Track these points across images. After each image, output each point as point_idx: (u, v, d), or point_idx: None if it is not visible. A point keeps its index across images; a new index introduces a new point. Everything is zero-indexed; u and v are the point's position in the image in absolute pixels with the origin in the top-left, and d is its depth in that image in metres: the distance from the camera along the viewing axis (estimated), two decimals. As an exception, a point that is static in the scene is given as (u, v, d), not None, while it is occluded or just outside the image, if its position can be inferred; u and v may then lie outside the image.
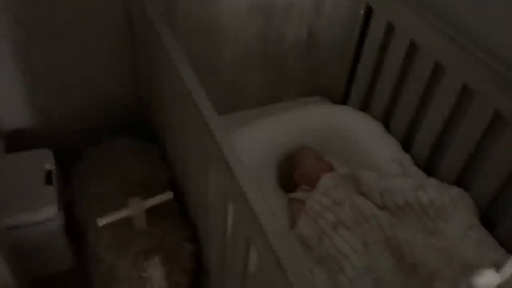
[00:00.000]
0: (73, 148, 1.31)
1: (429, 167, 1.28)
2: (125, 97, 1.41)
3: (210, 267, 1.12)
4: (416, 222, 1.09)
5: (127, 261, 1.06)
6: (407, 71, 1.29)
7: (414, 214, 1.09)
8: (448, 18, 1.17)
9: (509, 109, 1.02)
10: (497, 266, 0.75)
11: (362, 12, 1.39)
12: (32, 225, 1.16)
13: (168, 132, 1.24)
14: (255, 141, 1.30)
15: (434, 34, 1.15)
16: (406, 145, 1.34)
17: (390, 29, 1.31)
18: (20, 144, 1.32)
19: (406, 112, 1.32)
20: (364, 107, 1.47)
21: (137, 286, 1.05)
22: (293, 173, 1.24)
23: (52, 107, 1.35)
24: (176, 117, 1.11)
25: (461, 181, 1.19)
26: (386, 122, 1.40)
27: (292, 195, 1.21)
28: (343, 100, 1.57)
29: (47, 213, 1.17)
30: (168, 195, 1.10)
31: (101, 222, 1.03)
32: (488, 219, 1.12)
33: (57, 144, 1.33)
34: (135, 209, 1.05)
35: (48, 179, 1.22)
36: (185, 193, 1.20)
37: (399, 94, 1.34)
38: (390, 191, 1.11)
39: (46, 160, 1.26)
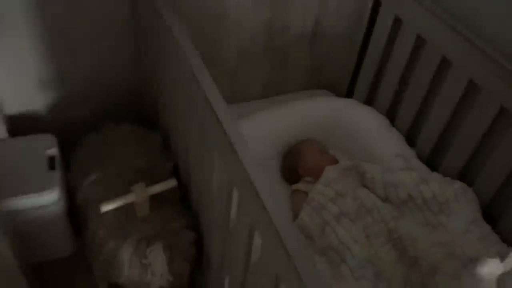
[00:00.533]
0: (76, 134, 1.31)
1: (432, 162, 1.28)
2: (128, 85, 1.40)
3: (211, 256, 1.12)
4: (419, 216, 1.09)
5: (129, 248, 1.06)
6: (413, 65, 1.29)
7: (417, 208, 1.09)
8: (456, 12, 1.16)
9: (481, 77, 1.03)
10: (501, 257, 0.75)
11: (369, 5, 1.39)
12: (34, 209, 1.16)
13: (171, 120, 1.24)
14: (259, 131, 1.30)
15: (441, 28, 1.15)
16: (410, 139, 1.33)
17: (397, 23, 1.31)
18: (25, 128, 1.32)
19: (411, 106, 1.32)
20: (369, 101, 1.46)
21: (138, 272, 1.05)
22: (296, 164, 1.24)
23: (57, 93, 1.35)
24: (180, 106, 1.10)
25: (464, 176, 1.19)
26: (391, 116, 1.39)
27: (295, 186, 1.21)
28: (348, 94, 1.57)
29: (50, 198, 1.17)
30: (171, 183, 1.10)
31: (104, 208, 1.03)
32: (490, 215, 1.12)
33: (60, 129, 1.33)
34: (138, 195, 1.05)
35: (51, 164, 1.22)
36: (187, 181, 1.20)
37: (404, 88, 1.34)
38: (393, 185, 1.12)
39: (49, 145, 1.25)
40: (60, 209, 1.21)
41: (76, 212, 1.33)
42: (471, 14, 1.13)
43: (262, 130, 1.31)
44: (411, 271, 1.00)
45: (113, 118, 1.35)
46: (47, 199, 1.16)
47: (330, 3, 1.40)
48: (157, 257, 1.04)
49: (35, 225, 1.20)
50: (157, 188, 1.08)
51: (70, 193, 1.29)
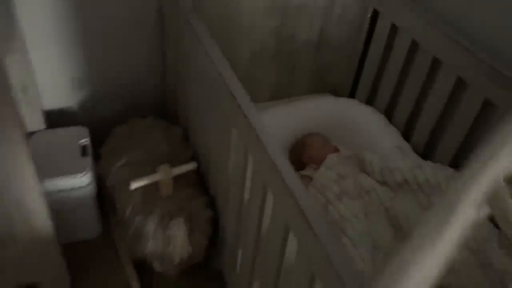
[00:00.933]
0: (105, 128, 1.46)
1: (426, 155, 1.41)
2: (152, 84, 1.56)
3: (226, 233, 1.25)
4: (413, 198, 1.21)
5: (153, 221, 1.19)
6: (408, 68, 1.44)
7: (412, 190, 1.22)
8: (445, 17, 1.31)
9: (498, 96, 1.15)
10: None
11: (369, 15, 1.55)
12: (68, 190, 1.30)
13: (191, 114, 1.38)
14: (269, 127, 1.43)
15: (433, 32, 1.30)
16: (406, 136, 1.47)
17: (394, 30, 1.46)
18: (60, 122, 1.47)
19: (407, 105, 1.46)
20: (369, 102, 1.61)
21: (162, 243, 1.18)
22: (302, 153, 1.37)
23: (88, 92, 1.51)
24: (201, 101, 1.25)
25: (455, 166, 1.31)
26: (389, 115, 1.53)
27: (301, 172, 1.34)
28: (350, 96, 1.71)
29: (83, 180, 1.31)
30: (193, 165, 1.24)
31: (133, 185, 1.17)
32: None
33: (91, 123, 1.48)
34: (163, 175, 1.19)
35: (84, 152, 1.37)
36: (205, 169, 1.34)
37: (401, 89, 1.48)
38: (390, 170, 1.25)
39: (82, 136, 1.40)
40: (90, 192, 1.35)
41: (102, 198, 1.47)
42: (459, 19, 1.28)
43: (272, 125, 1.45)
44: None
45: (139, 113, 1.50)
46: (80, 181, 1.31)
47: (333, 14, 1.56)
48: (179, 231, 1.17)
49: (68, 206, 1.33)
50: (180, 169, 1.22)
51: (98, 180, 1.43)
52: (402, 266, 0.54)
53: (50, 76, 1.44)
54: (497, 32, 1.18)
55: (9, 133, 0.96)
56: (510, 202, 0.59)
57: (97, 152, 1.46)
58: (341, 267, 0.66)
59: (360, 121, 1.50)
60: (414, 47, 1.39)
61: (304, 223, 0.75)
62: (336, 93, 1.72)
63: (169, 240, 1.17)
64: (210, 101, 1.16)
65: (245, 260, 1.14)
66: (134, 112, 1.52)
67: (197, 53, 1.19)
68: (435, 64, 1.33)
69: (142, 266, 1.35)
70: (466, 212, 0.50)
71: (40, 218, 1.13)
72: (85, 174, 1.31)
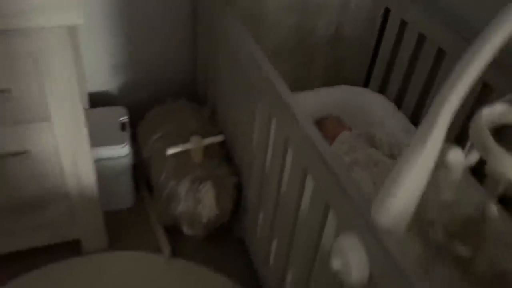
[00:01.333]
0: (141, 108, 1.64)
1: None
2: (184, 69, 1.74)
3: (247, 202, 1.40)
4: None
5: (185, 185, 1.34)
6: (416, 59, 1.58)
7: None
8: (449, 11, 1.46)
9: (497, 81, 1.29)
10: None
11: (381, 12, 1.70)
12: (109, 159, 1.46)
13: (219, 96, 1.55)
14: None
15: (438, 25, 1.45)
16: (414, 122, 1.60)
17: (403, 25, 1.61)
18: (102, 103, 1.65)
19: (415, 93, 1.60)
20: (381, 92, 1.75)
21: (192, 204, 1.33)
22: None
23: (126, 76, 1.69)
24: (230, 84, 1.41)
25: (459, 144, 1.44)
26: (398, 103, 1.67)
27: (317, 149, 1.48)
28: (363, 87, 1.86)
29: (122, 151, 1.47)
30: (220, 137, 1.40)
31: (169, 151, 1.33)
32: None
33: (128, 105, 1.66)
34: (195, 144, 1.35)
35: (123, 128, 1.54)
36: (231, 143, 1.49)
37: (409, 79, 1.62)
38: (397, 145, 1.38)
39: (122, 115, 1.57)
40: (127, 163, 1.51)
41: (136, 176, 1.63)
42: (462, 12, 1.43)
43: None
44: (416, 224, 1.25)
45: (172, 96, 1.67)
46: (120, 152, 1.47)
47: (349, 11, 1.72)
48: (207, 193, 1.32)
49: (107, 175, 1.49)
50: (210, 140, 1.37)
51: (134, 156, 1.59)
52: (395, 178, 0.69)
53: (94, 62, 1.63)
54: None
55: (76, 107, 1.14)
56: (487, 133, 0.73)
57: (134, 130, 1.63)
58: (353, 194, 0.80)
59: (372, 107, 1.64)
60: (421, 40, 1.54)
61: (322, 164, 0.89)
62: (351, 85, 1.87)
63: (199, 201, 1.32)
64: (238, 82, 1.32)
65: (265, 222, 1.29)
66: (167, 94, 1.69)
67: (229, 41, 1.35)
68: (440, 55, 1.47)
69: (172, 232, 1.51)
70: (440, 133, 0.65)
71: (88, 178, 1.29)
72: (124, 146, 1.48)
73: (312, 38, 1.75)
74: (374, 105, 1.64)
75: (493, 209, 0.81)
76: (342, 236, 0.80)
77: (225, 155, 1.47)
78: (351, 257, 0.76)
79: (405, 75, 1.63)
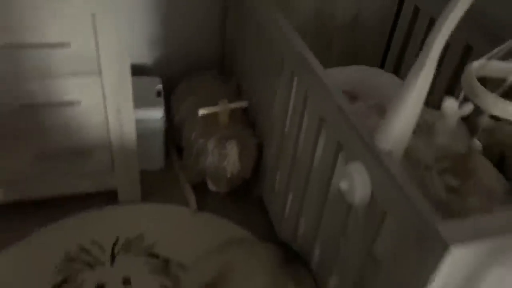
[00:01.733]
0: (174, 79, 1.81)
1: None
2: (213, 44, 1.91)
3: (267, 163, 1.55)
4: (425, 138, 1.48)
5: (212, 143, 1.51)
6: (441, 58, 1.73)
7: (421, 131, 1.49)
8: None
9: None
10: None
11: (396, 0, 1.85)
12: (145, 120, 1.64)
13: (245, 70, 1.71)
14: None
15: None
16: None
17: (416, 11, 1.76)
18: (140, 72, 1.83)
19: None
20: (395, 74, 1.89)
21: (218, 159, 1.49)
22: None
23: (160, 50, 1.87)
24: (256, 56, 1.57)
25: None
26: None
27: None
28: (378, 71, 2.00)
29: (157, 114, 1.64)
30: (245, 103, 1.56)
31: (200, 112, 1.50)
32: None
33: (163, 75, 1.84)
34: (223, 107, 1.51)
35: (158, 95, 1.71)
36: (253, 110, 1.65)
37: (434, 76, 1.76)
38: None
39: (157, 83, 1.75)
40: (161, 126, 1.68)
41: (167, 138, 1.80)
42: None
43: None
44: (414, 170, 1.39)
45: (202, 68, 1.84)
46: (155, 114, 1.64)
47: (366, -1, 1.87)
48: (232, 150, 1.48)
49: (143, 136, 1.66)
50: (235, 104, 1.54)
51: (167, 121, 1.76)
52: (394, 108, 0.84)
53: (133, 37, 1.81)
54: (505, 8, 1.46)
55: (123, 65, 1.32)
56: (474, 79, 0.88)
57: (167, 99, 1.80)
58: (361, 129, 0.95)
59: (385, 86, 1.78)
60: (432, 24, 1.68)
61: (336, 109, 1.04)
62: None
63: (224, 157, 1.49)
64: (262, 52, 1.48)
65: (282, 179, 1.44)
66: (198, 67, 1.86)
67: (260, 20, 1.51)
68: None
69: (198, 190, 1.67)
70: (431, 67, 0.80)
71: (130, 133, 1.47)
72: (159, 109, 1.65)
73: (331, 23, 1.90)
74: (387, 84, 1.78)
75: (477, 143, 0.95)
76: (349, 164, 0.95)
77: (248, 120, 1.63)
78: (356, 179, 0.91)
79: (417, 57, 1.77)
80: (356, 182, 0.90)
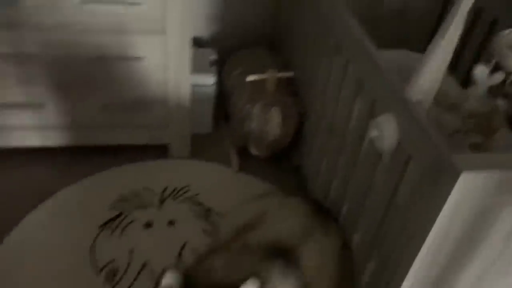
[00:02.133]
0: (227, 51, 1.97)
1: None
2: (265, 22, 2.04)
3: (307, 131, 1.66)
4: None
5: (258, 107, 1.64)
6: (471, 31, 1.79)
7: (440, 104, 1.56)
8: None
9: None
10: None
11: (445, -12, 1.92)
12: (199, 86, 1.79)
13: (296, 45, 1.83)
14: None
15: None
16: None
17: (463, 0, 1.82)
18: (198, 44, 2.00)
19: (466, 62, 1.80)
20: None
21: (262, 123, 1.63)
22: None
23: (217, 25, 2.03)
24: (307, 36, 1.69)
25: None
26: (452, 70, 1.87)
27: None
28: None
29: (210, 80, 1.80)
30: (291, 73, 1.68)
31: (249, 78, 1.64)
32: None
33: (218, 48, 1.99)
34: (270, 74, 1.65)
35: (212, 64, 1.87)
36: (299, 83, 1.77)
37: (464, 48, 1.82)
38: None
39: (211, 54, 1.91)
40: (213, 91, 1.83)
41: (217, 105, 1.95)
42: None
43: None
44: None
45: (253, 44, 1.99)
46: (208, 80, 1.80)
47: (416, -13, 1.95)
48: (276, 115, 1.61)
49: (196, 99, 1.81)
50: (282, 73, 1.66)
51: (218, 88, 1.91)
52: (424, 60, 0.94)
53: (190, 12, 1.98)
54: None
55: (186, 28, 1.47)
56: (503, 45, 0.96)
57: (220, 69, 1.95)
58: (392, 80, 1.05)
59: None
60: (477, 12, 1.74)
61: (375, 69, 1.15)
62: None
63: (268, 121, 1.62)
64: (319, 35, 1.59)
65: (319, 145, 1.55)
66: (250, 42, 2.01)
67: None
68: (493, 25, 1.67)
69: (241, 154, 1.81)
70: (458, 24, 0.89)
71: (185, 92, 1.63)
72: (212, 76, 1.80)
73: (379, 10, 1.99)
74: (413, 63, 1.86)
75: (501, 102, 1.03)
76: (380, 116, 1.05)
77: (292, 91, 1.76)
78: (385, 127, 1.01)
79: (461, 44, 1.83)
80: (385, 132, 1.01)
